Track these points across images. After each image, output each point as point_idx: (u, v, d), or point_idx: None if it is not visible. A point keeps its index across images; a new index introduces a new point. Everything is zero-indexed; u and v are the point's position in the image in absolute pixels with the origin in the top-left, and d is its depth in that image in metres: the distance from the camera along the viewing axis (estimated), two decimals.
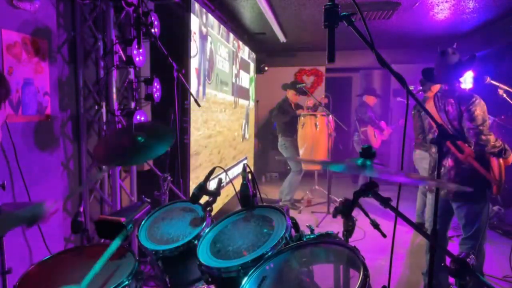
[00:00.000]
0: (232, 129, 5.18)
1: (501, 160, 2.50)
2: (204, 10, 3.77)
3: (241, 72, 5.72)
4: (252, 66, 6.55)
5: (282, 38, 5.79)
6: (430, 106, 2.67)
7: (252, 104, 6.72)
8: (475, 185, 2.42)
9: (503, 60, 5.09)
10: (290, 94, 5.38)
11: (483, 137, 2.38)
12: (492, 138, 2.39)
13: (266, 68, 7.53)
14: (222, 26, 4.49)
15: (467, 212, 2.54)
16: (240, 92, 5.67)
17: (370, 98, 5.71)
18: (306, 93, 5.48)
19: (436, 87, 3.91)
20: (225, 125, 4.82)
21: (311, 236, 1.39)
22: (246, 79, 6.12)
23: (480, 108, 2.40)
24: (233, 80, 5.19)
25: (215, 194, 1.70)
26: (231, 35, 5.06)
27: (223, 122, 4.68)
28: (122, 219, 1.55)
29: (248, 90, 6.34)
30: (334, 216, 1.29)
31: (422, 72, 2.75)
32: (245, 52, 5.99)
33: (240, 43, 5.58)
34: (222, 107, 4.58)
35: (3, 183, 1.81)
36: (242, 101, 5.84)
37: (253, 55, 6.57)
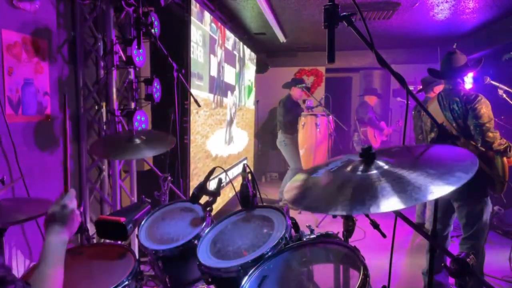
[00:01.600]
0: (208, 135, 4.18)
1: (505, 159, 2.50)
2: None
3: (225, 65, 4.78)
4: (237, 59, 5.56)
5: (282, 38, 5.79)
6: (434, 105, 2.67)
7: (236, 101, 5.56)
8: (477, 185, 2.43)
9: (503, 60, 5.09)
10: (294, 91, 5.38)
11: (490, 134, 2.39)
12: (498, 135, 2.41)
13: (268, 67, 7.51)
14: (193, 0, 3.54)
15: (468, 211, 2.54)
16: (224, 89, 4.78)
17: (371, 98, 5.71)
18: (309, 89, 5.48)
19: (438, 88, 3.91)
20: (198, 131, 3.82)
21: (311, 236, 1.39)
22: (231, 74, 5.16)
23: (485, 106, 2.42)
24: (212, 73, 4.24)
25: (215, 194, 1.70)
26: (207, 14, 3.98)
27: (194, 127, 3.68)
28: (122, 219, 1.55)
29: (235, 87, 5.43)
30: (334, 216, 1.29)
31: (428, 70, 2.75)
32: (230, 42, 5.03)
33: (224, 28, 4.61)
34: (193, 107, 3.59)
35: (2, 178, 1.81)
36: (226, 100, 4.91)
37: (240, 45, 5.68)
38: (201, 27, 3.85)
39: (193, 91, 3.56)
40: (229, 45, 5.03)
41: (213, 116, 4.38)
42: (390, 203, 0.85)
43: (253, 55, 6.68)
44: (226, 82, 4.96)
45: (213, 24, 4.23)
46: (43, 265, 1.04)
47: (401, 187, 0.89)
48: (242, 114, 5.98)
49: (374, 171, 1.00)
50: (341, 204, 0.92)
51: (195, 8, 3.60)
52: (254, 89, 6.87)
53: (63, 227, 1.10)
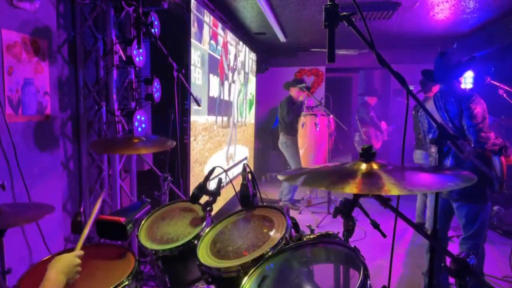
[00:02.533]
0: (207, 161, 4.02)
1: (502, 158, 2.50)
2: None
3: (226, 82, 4.70)
4: (242, 75, 5.57)
5: (282, 38, 5.79)
6: (430, 105, 2.67)
7: (236, 119, 5.43)
8: (476, 185, 2.42)
9: (503, 60, 5.09)
10: (294, 91, 5.37)
11: (483, 134, 2.38)
12: (492, 135, 2.40)
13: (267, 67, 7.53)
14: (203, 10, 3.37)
15: (467, 211, 2.54)
16: (225, 108, 4.69)
17: (372, 98, 5.72)
18: (309, 89, 5.48)
19: (437, 88, 3.92)
20: (197, 159, 3.70)
21: (311, 236, 1.39)
22: (232, 91, 5.04)
23: (480, 106, 2.40)
24: (212, 94, 4.12)
25: (215, 194, 1.70)
26: (206, 32, 3.79)
27: (193, 155, 3.59)
28: (122, 219, 1.55)
29: (236, 104, 5.35)
30: (334, 216, 1.29)
31: (422, 73, 2.75)
32: (231, 55, 4.97)
33: (226, 42, 4.53)
34: (192, 133, 3.49)
35: (3, 183, 1.81)
36: (226, 119, 4.82)
37: (244, 56, 5.68)
38: (199, 47, 3.71)
39: (192, 117, 3.49)
40: (231, 60, 4.93)
41: (213, 139, 4.24)
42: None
43: (255, 67, 6.62)
44: (227, 101, 4.87)
45: (212, 42, 4.11)
46: None
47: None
48: (243, 131, 5.90)
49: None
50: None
51: (193, 27, 3.49)
52: (254, 103, 6.82)
53: (64, 274, 1.19)
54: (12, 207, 1.68)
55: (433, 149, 2.75)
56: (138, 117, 2.75)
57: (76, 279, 1.23)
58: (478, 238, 2.54)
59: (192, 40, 3.47)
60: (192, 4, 3.44)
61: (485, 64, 5.30)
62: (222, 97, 4.58)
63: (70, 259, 1.22)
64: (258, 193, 1.64)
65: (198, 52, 3.66)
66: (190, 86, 3.25)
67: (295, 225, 1.46)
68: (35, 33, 2.19)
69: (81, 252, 1.28)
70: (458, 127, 2.50)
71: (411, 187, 1.03)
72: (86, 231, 1.37)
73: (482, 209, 2.52)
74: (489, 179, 2.47)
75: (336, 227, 1.53)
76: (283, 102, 5.38)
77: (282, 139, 5.36)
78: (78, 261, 1.24)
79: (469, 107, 2.41)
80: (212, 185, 3.05)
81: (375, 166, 1.14)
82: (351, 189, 1.01)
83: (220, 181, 1.71)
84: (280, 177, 1.22)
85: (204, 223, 1.62)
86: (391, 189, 0.98)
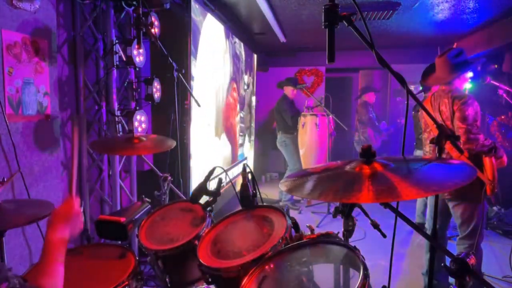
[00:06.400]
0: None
1: (493, 160, 2.50)
2: None
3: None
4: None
5: (282, 38, 5.78)
6: (426, 106, 2.67)
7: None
8: (470, 185, 2.42)
9: (503, 60, 5.09)
10: (288, 90, 5.35)
11: (471, 136, 2.39)
12: (481, 137, 2.40)
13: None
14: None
15: (463, 211, 2.54)
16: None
17: (369, 96, 5.70)
18: (308, 88, 5.47)
19: (435, 88, 3.92)
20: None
21: (311, 236, 1.39)
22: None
23: (472, 109, 2.41)
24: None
25: (215, 194, 1.70)
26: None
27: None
28: (122, 219, 1.55)
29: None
30: (334, 216, 1.29)
31: (423, 74, 2.75)
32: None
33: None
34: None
35: (2, 179, 1.81)
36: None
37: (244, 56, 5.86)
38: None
39: None
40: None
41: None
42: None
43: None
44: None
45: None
46: (43, 262, 1.05)
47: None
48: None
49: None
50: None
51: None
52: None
53: (66, 225, 1.12)
54: (12, 203, 1.67)
55: (427, 148, 2.76)
56: (138, 117, 2.75)
57: (78, 221, 1.16)
58: (474, 237, 2.55)
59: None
60: (192, 4, 3.43)
61: (485, 63, 5.29)
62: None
63: (69, 211, 1.14)
64: (258, 193, 1.64)
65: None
66: (190, 86, 3.25)
67: (295, 225, 1.46)
68: (35, 33, 2.19)
69: (76, 200, 1.19)
70: (450, 128, 2.50)
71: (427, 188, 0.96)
72: (74, 171, 1.27)
73: (477, 209, 2.52)
74: (481, 181, 2.47)
75: (336, 227, 1.53)
76: (280, 101, 5.36)
77: (280, 138, 5.35)
78: (78, 209, 1.17)
79: (461, 108, 2.42)
80: (212, 185, 3.05)
81: (377, 166, 1.09)
82: (364, 198, 0.94)
83: (220, 181, 1.71)
84: (282, 187, 1.17)
85: (204, 223, 1.63)
86: (408, 194, 0.92)
